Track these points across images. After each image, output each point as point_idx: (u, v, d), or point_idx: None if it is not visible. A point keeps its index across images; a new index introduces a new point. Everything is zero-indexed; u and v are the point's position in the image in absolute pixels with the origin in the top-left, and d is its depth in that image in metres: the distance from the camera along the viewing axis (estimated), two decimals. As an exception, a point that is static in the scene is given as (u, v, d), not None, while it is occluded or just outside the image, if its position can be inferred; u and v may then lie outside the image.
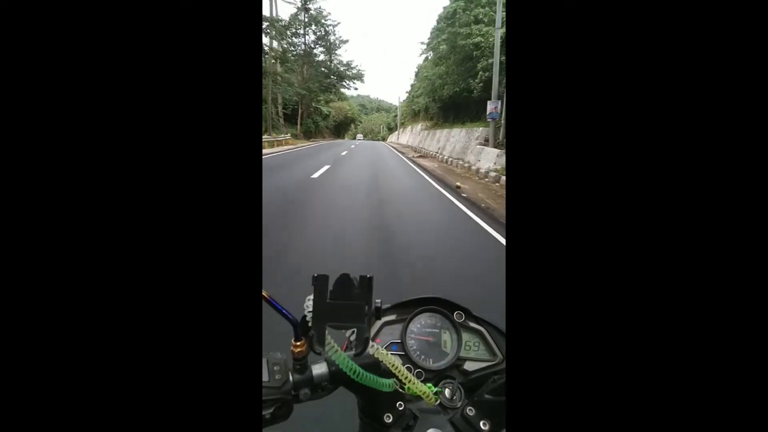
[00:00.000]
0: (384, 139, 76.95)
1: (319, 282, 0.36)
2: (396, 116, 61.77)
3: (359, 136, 66.89)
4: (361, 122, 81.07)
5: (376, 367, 0.41)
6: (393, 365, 0.40)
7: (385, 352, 0.40)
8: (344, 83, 38.96)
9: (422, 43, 26.51)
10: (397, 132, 43.77)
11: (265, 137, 18.49)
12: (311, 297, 0.36)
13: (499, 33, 11.04)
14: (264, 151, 15.46)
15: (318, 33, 34.01)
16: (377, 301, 0.37)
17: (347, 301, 0.35)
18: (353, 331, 0.36)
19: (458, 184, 7.76)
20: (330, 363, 0.42)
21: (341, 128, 56.17)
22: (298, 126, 31.44)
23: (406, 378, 0.41)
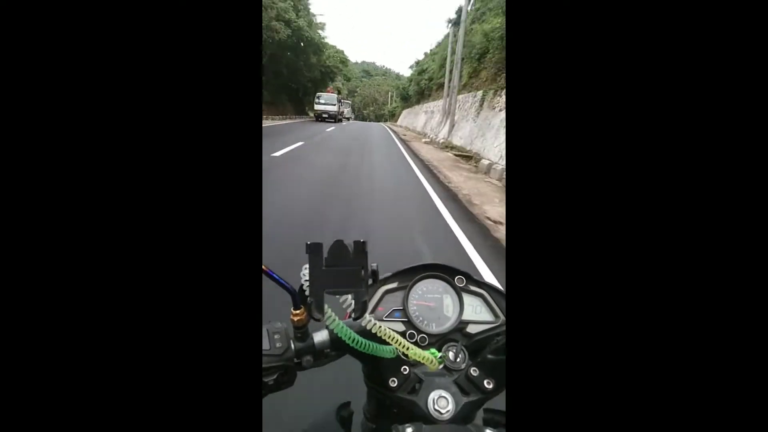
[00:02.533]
0: (394, 117, 43.32)
1: (314, 250, 0.35)
2: (418, 78, 30.01)
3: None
4: (346, 77, 48.75)
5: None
6: (390, 336, 0.39)
7: (378, 324, 0.39)
8: None
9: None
10: (441, 113, 15.18)
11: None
12: (307, 266, 0.35)
13: None
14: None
15: None
16: (373, 264, 0.37)
17: (343, 266, 0.35)
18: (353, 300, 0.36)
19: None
20: (331, 330, 0.43)
21: (291, 80, 24.14)
22: None
23: (405, 347, 0.40)
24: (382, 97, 62.38)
